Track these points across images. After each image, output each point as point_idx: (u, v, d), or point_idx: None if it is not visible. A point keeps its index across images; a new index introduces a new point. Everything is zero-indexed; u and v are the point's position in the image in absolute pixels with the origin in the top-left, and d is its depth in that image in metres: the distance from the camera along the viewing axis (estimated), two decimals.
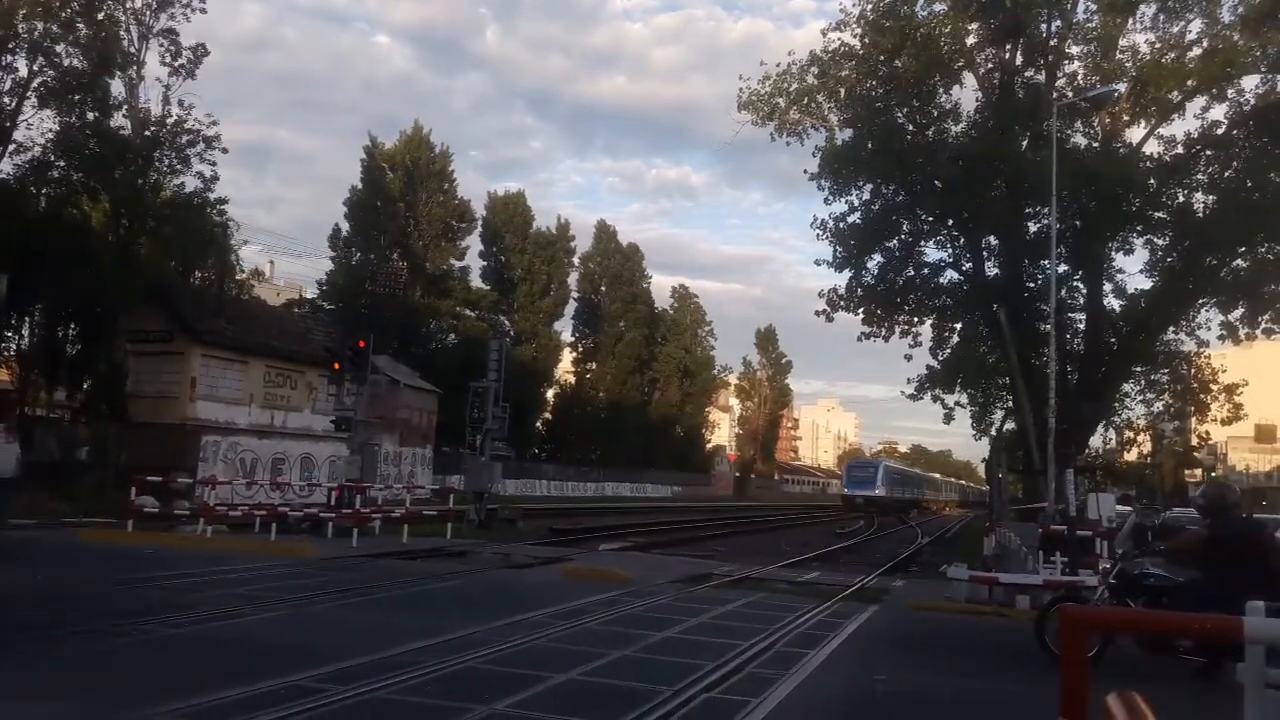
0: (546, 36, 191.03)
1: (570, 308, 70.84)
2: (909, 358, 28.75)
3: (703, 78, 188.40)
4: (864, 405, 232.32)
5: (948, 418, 30.52)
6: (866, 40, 25.97)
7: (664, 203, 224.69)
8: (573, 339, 73.44)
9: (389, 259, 57.61)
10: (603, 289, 73.78)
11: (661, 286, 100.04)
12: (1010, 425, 30.97)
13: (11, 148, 28.66)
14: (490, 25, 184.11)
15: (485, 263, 64.82)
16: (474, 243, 63.47)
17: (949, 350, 29.45)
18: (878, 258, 27.87)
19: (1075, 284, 27.24)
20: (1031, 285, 26.88)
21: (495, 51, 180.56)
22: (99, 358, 30.80)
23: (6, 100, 28.37)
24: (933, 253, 28.76)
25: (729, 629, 10.73)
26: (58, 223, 29.63)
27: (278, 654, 8.19)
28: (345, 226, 57.38)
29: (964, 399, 30.76)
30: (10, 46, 27.92)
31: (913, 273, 28.15)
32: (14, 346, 32.33)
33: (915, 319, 28.67)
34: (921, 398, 29.03)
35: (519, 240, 65.08)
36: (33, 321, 32.12)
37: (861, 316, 27.93)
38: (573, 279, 70.46)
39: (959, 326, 29.64)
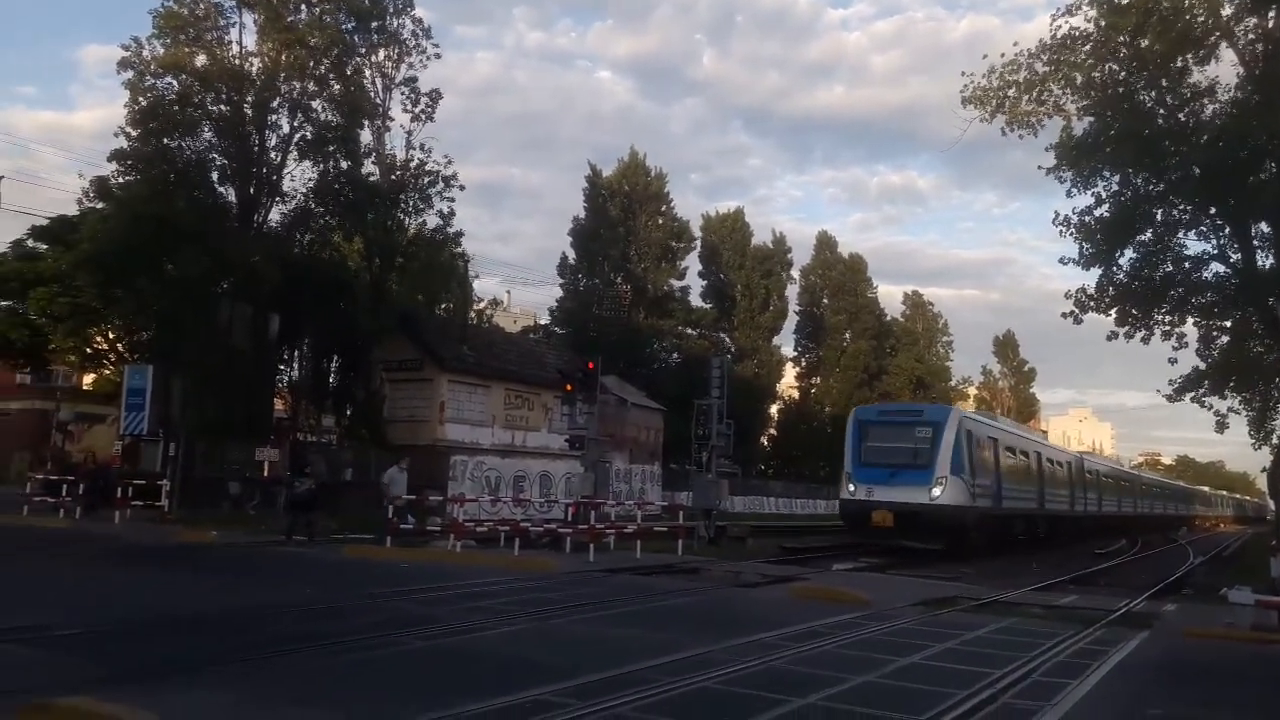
0: (762, 55, 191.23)
1: (790, 322, 70.09)
2: (1173, 361, 26.12)
3: (925, 80, 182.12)
4: (1119, 414, 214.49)
5: (1220, 425, 27.45)
6: (1103, 22, 24.09)
7: (888, 210, 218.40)
8: (795, 353, 72.57)
9: (612, 283, 59.34)
10: (824, 301, 72.45)
11: (890, 296, 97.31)
12: None
13: (277, 198, 31.82)
14: (706, 50, 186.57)
15: (705, 281, 65.41)
16: (693, 262, 64.23)
17: (1217, 350, 26.56)
18: (1130, 253, 25.58)
19: None
20: None
21: (711, 74, 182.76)
22: (358, 386, 33.51)
23: (273, 155, 31.54)
24: (1194, 244, 26.04)
25: (979, 656, 10.03)
26: (318, 264, 32.59)
27: (521, 668, 8.42)
28: (572, 254, 59.76)
29: (1237, 404, 27.59)
30: (274, 106, 31.04)
31: (1171, 267, 25.67)
32: (286, 378, 35.72)
33: (1177, 317, 26.09)
34: (1181, 399, 26.30)
35: (737, 257, 65.18)
36: (300, 355, 35.41)
37: (1114, 317, 25.75)
38: (792, 292, 69.71)
39: (1228, 324, 26.69)
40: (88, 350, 42.32)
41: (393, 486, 22.04)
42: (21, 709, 6.41)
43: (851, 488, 26.10)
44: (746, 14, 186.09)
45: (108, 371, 43.38)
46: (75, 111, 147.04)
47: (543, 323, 64.32)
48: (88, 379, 52.03)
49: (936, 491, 24.36)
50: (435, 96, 33.30)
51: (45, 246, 39.88)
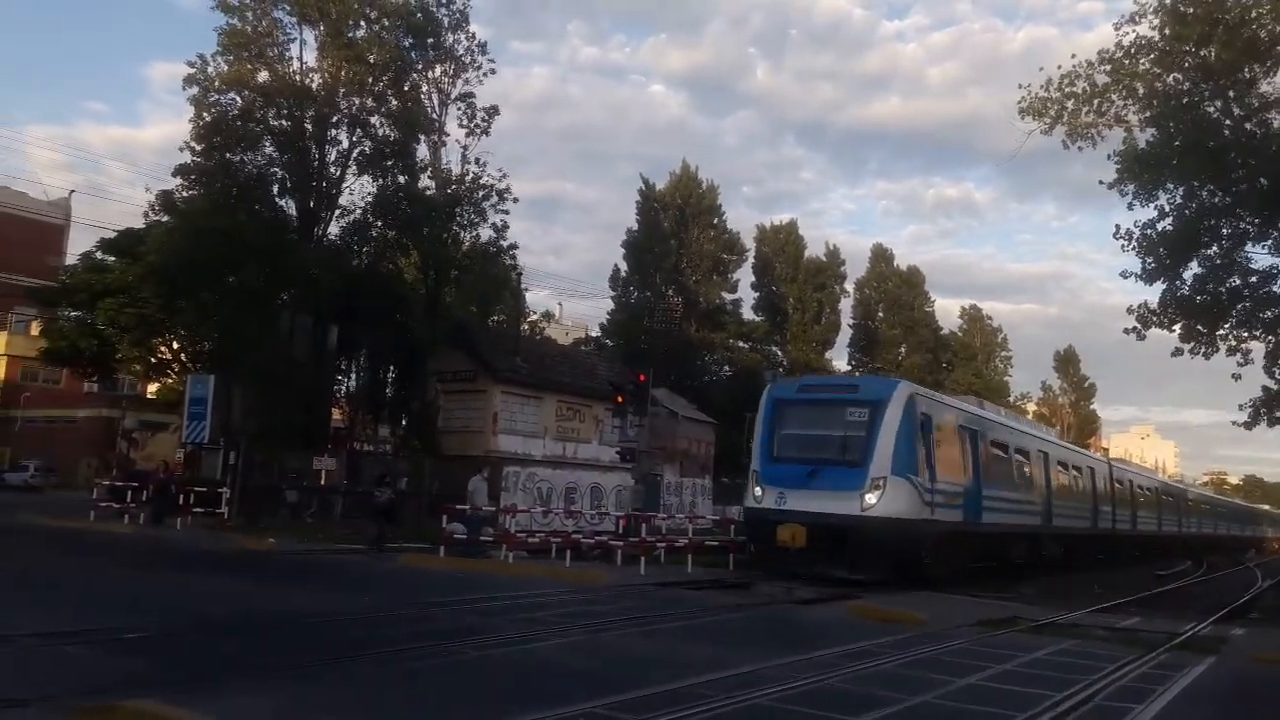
0: (816, 67, 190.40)
1: (844, 335, 69.55)
2: (1237, 377, 25.42)
3: (982, 91, 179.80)
4: (1184, 432, 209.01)
5: None
6: (1167, 31, 23.63)
7: (944, 223, 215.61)
8: (849, 367, 71.94)
9: (664, 295, 59.43)
10: (879, 314, 71.78)
11: (945, 310, 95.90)
12: None
13: (336, 212, 32.43)
14: (760, 63, 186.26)
15: (757, 294, 65.22)
16: (744, 275, 64.11)
17: None
18: (1195, 267, 24.97)
19: None
20: None
21: (764, 88, 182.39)
22: (414, 396, 33.94)
23: (333, 170, 32.16)
24: (1261, 258, 25.35)
25: (1037, 678, 9.82)
26: (375, 277, 33.12)
27: (571, 679, 8.44)
28: (624, 267, 59.97)
29: None
30: (334, 121, 31.67)
31: (1238, 281, 25.00)
32: (343, 388, 36.31)
33: (1245, 333, 25.38)
34: (1256, 425, 25.53)
35: (790, 270, 64.90)
36: (357, 366, 36.00)
37: (1178, 332, 25.12)
38: (845, 306, 69.21)
39: None
40: (152, 360, 43.51)
41: (476, 495, 22.24)
42: (89, 709, 6.58)
43: (758, 491, 18.91)
44: (800, 27, 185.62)
45: (171, 380, 44.56)
46: (143, 127, 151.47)
47: (594, 335, 64.62)
48: (151, 388, 53.49)
49: (871, 498, 17.73)
50: (491, 112, 33.75)
51: (113, 259, 41.17)
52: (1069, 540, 28.47)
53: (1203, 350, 25.17)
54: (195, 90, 30.36)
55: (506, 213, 33.93)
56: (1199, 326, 25.18)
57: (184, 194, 31.06)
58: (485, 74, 33.87)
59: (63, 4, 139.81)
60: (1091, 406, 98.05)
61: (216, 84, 30.49)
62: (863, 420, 18.55)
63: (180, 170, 30.49)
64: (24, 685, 7.14)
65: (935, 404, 21.00)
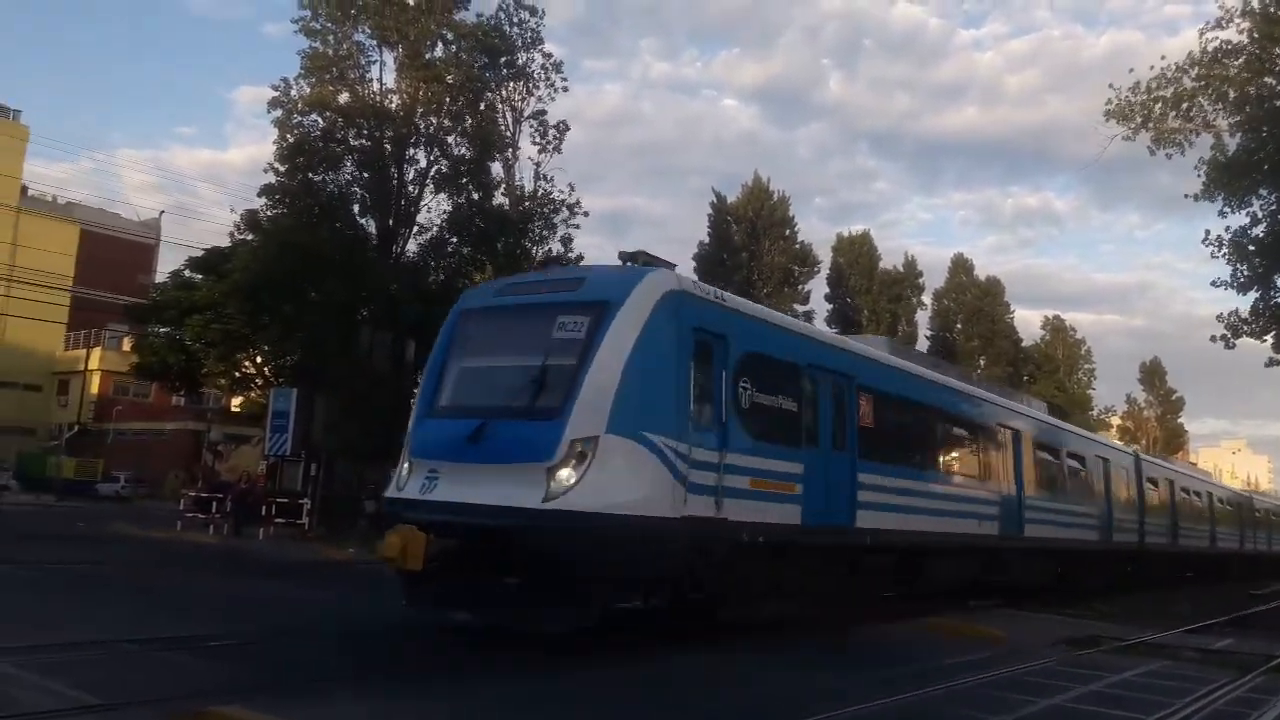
0: (890, 77, 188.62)
1: (921, 347, 68.34)
2: None
3: (1062, 99, 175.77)
4: (1278, 447, 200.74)
5: None
6: (1256, 34, 22.87)
7: (1024, 232, 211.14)
8: None
9: None
10: (958, 326, 70.49)
11: (1025, 322, 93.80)
12: None
13: (414, 229, 33.08)
14: (833, 74, 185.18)
15: (831, 305, 64.55)
16: (817, 286, 63.43)
17: None
18: None
19: None
20: None
21: (838, 98, 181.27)
22: None
23: (411, 189, 32.82)
24: None
25: (1126, 700, 9.53)
26: (450, 293, 33.53)
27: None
28: (695, 279, 59.88)
29: None
30: (412, 141, 32.35)
31: None
32: None
33: None
34: None
35: (865, 281, 64.17)
36: None
37: (1271, 342, 24.20)
38: (921, 317, 68.08)
39: None
40: (236, 374, 44.85)
41: None
42: (181, 715, 6.80)
43: (404, 471, 10.93)
44: (875, 37, 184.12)
45: (254, 394, 45.81)
46: (229, 149, 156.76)
47: None
48: (236, 401, 55.07)
49: (565, 477, 9.62)
50: (562, 129, 34.14)
51: (200, 276, 42.60)
52: (1044, 557, 20.88)
53: None
54: (279, 112, 31.27)
55: (576, 226, 34.29)
56: None
57: (268, 213, 31.98)
58: (558, 92, 34.33)
59: (155, 34, 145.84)
60: (1179, 420, 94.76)
61: (299, 106, 31.36)
62: (577, 338, 10.20)
63: (265, 190, 31.41)
64: (119, 689, 7.42)
65: (734, 316, 11.81)
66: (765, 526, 11.42)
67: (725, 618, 11.57)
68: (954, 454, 17.72)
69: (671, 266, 12.23)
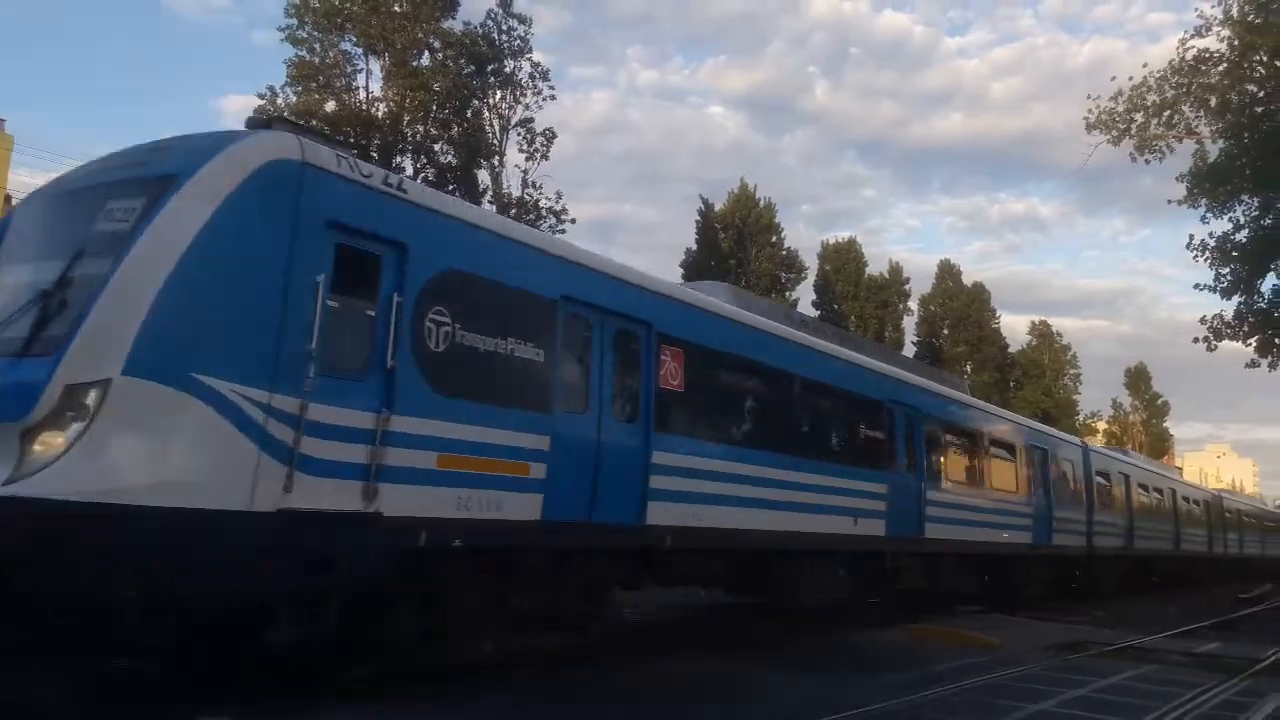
0: (877, 85, 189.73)
1: (908, 353, 68.64)
2: None
3: (1047, 106, 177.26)
4: (1262, 450, 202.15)
5: None
6: (1236, 42, 23.13)
7: (1010, 238, 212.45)
8: None
9: None
10: (944, 331, 70.80)
11: (1011, 327, 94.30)
12: None
13: None
14: (819, 82, 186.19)
15: (818, 312, 64.70)
16: (803, 293, 63.61)
17: None
18: (1273, 279, 24.30)
19: None
20: None
21: (824, 106, 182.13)
22: None
23: None
24: None
25: (1114, 705, 9.60)
26: None
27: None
28: None
29: None
30: (399, 149, 32.34)
31: None
32: None
33: None
34: None
35: (851, 287, 64.42)
36: None
37: (1254, 346, 24.43)
38: (908, 323, 68.34)
39: None
40: None
41: None
42: None
43: None
44: (861, 45, 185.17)
45: None
46: None
47: None
48: None
49: (50, 441, 5.96)
50: (549, 136, 34.14)
51: None
52: (957, 562, 18.26)
53: None
54: None
55: (563, 231, 34.31)
56: (1278, 340, 24.49)
57: None
58: (545, 99, 34.35)
59: (142, 40, 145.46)
60: (1164, 424, 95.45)
61: (286, 114, 31.30)
62: (122, 229, 6.74)
63: None
64: None
65: (422, 215, 8.18)
66: (470, 524, 7.99)
67: (362, 674, 7.95)
68: (821, 433, 13.80)
69: (333, 141, 8.62)
